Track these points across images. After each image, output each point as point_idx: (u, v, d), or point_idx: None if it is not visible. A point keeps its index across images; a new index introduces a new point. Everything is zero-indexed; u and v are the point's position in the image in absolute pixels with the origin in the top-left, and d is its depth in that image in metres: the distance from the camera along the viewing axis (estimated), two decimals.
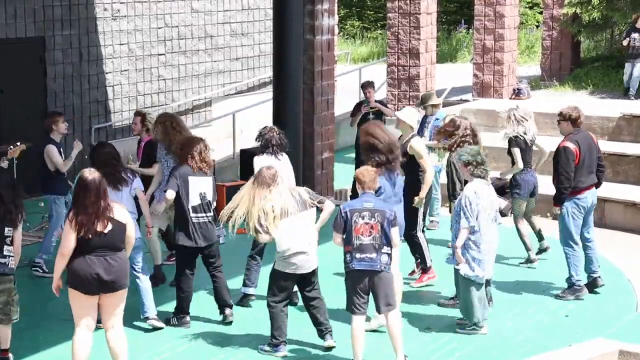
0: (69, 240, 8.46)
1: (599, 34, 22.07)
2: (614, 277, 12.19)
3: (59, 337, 10.06)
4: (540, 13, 26.26)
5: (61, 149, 12.54)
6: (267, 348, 9.83)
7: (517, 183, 12.69)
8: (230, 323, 10.55)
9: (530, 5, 31.93)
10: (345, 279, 9.40)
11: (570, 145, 11.25)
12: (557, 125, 11.60)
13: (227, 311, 10.58)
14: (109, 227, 8.48)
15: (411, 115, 11.58)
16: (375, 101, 16.14)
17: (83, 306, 8.57)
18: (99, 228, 8.43)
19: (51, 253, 12.33)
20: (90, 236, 8.41)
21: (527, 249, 12.80)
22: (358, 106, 16.30)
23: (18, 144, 12.89)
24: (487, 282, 10.48)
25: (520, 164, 12.62)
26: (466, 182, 10.53)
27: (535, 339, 10.20)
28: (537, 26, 29.27)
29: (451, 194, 11.79)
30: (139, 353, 9.66)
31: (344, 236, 9.25)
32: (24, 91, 16.99)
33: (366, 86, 16.16)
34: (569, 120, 11.41)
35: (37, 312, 10.98)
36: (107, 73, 18.41)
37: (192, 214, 10.37)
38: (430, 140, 13.64)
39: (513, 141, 12.63)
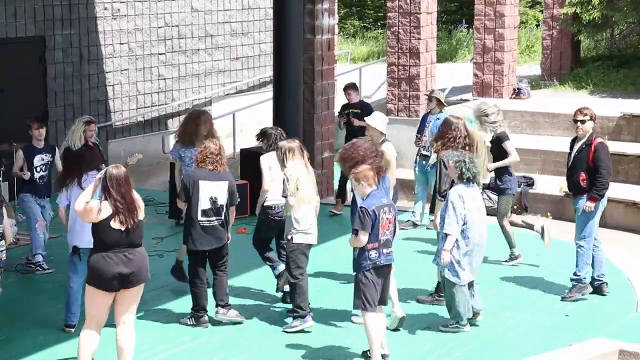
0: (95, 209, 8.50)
1: (599, 33, 22.05)
2: (614, 277, 12.19)
3: (60, 337, 10.07)
4: (541, 12, 26.25)
5: (39, 155, 12.50)
6: (295, 322, 10.29)
7: (509, 179, 12.71)
8: (221, 322, 10.52)
9: (530, 4, 31.92)
10: (363, 277, 9.26)
11: (606, 142, 11.36)
12: (580, 125, 11.30)
13: (220, 310, 10.54)
14: (135, 223, 8.58)
15: (380, 120, 11.53)
16: (356, 104, 15.68)
17: (98, 303, 8.63)
18: (130, 222, 8.51)
19: (44, 248, 12.32)
20: (118, 229, 8.46)
21: (512, 246, 12.81)
22: (344, 108, 15.93)
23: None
24: (471, 283, 10.45)
25: (516, 156, 12.68)
26: (452, 184, 10.53)
27: (535, 339, 10.19)
28: (537, 25, 29.25)
29: (437, 190, 11.30)
30: (137, 353, 9.65)
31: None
32: (24, 91, 16.98)
33: (346, 88, 15.70)
34: (593, 120, 11.45)
35: (36, 312, 10.99)
36: (107, 72, 18.40)
37: (200, 218, 10.32)
38: (429, 140, 13.60)
39: (505, 136, 12.68)
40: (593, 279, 11.56)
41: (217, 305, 10.56)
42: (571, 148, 11.54)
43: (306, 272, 10.43)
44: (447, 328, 10.35)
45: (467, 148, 11.00)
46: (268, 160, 11.02)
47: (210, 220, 10.34)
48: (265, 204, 10.93)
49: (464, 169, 10.15)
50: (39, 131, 12.60)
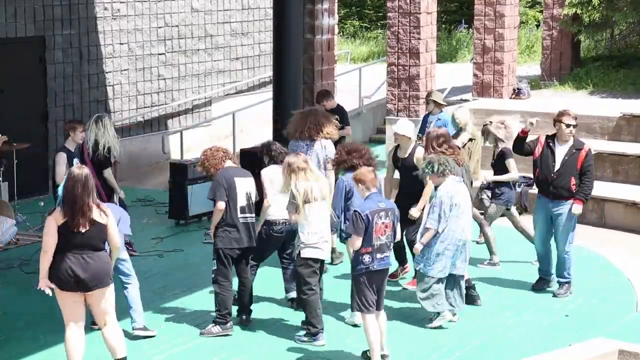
0: (50, 235, 8.44)
1: (599, 33, 22.04)
2: (613, 277, 12.20)
3: (60, 337, 10.04)
4: (541, 12, 26.24)
5: (75, 158, 12.30)
6: (305, 338, 10.03)
7: (502, 192, 12.72)
8: (246, 326, 10.51)
9: (530, 4, 31.92)
10: (357, 280, 9.29)
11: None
12: (573, 130, 11.41)
13: (245, 317, 10.54)
14: (88, 226, 8.46)
15: (407, 127, 11.52)
16: (335, 110, 15.39)
17: (67, 303, 8.62)
18: (80, 226, 8.41)
19: None
20: (73, 231, 8.39)
21: (492, 252, 12.80)
22: None
23: None
24: (460, 278, 10.53)
25: (516, 174, 12.71)
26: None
27: (535, 339, 10.20)
28: (537, 26, 29.25)
29: None
30: (137, 353, 9.66)
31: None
32: (24, 91, 16.98)
33: (322, 100, 14.81)
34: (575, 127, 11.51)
35: (36, 312, 10.99)
36: (107, 72, 18.41)
37: (240, 215, 10.25)
38: None
39: (509, 152, 12.57)
40: (540, 270, 11.73)
41: (247, 312, 10.52)
42: (550, 149, 11.48)
43: (317, 288, 10.03)
44: (432, 322, 10.43)
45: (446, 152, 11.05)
46: (269, 174, 10.79)
47: (246, 217, 10.26)
48: (267, 218, 10.72)
49: (440, 169, 10.22)
50: (82, 134, 12.37)
